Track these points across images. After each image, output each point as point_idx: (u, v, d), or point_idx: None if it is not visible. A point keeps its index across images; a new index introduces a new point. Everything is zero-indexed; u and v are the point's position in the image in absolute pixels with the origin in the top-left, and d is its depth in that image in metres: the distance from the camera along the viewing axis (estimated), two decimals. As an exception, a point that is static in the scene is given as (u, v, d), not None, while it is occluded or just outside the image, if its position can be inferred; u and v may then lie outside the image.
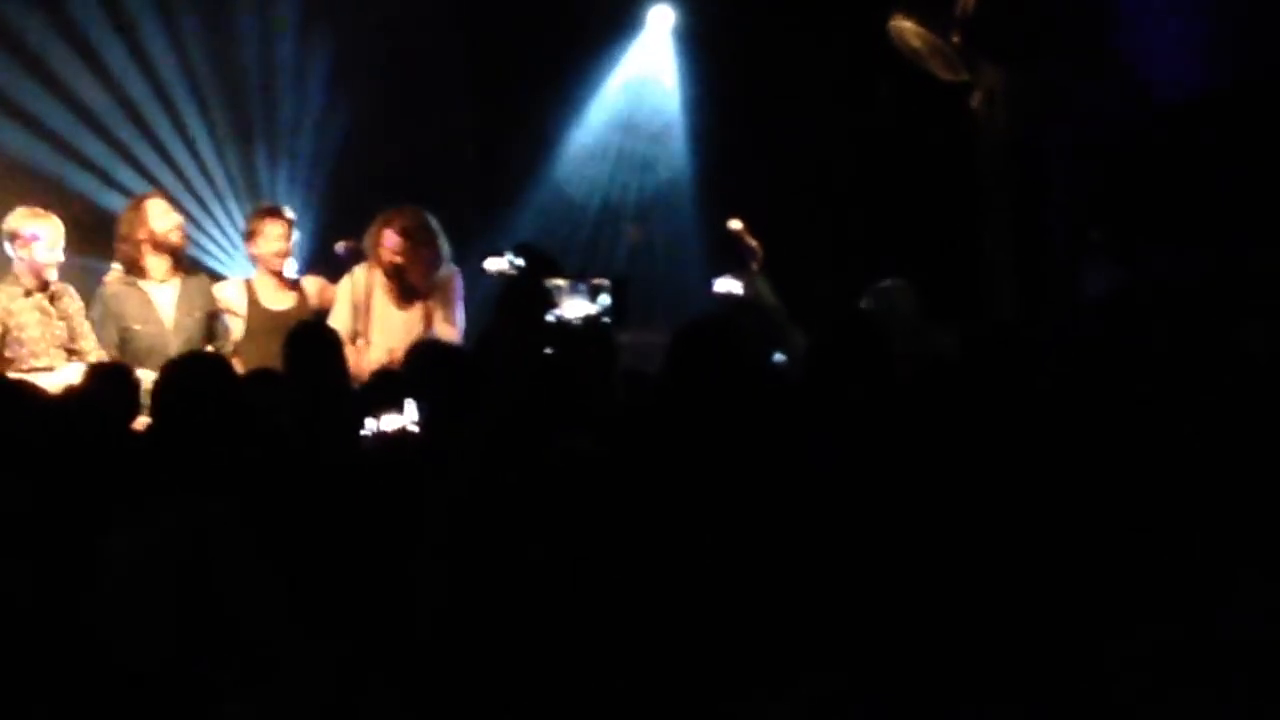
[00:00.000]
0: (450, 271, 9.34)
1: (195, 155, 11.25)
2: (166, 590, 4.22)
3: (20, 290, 8.70)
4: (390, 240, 9.22)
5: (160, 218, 9.07)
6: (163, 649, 4.15)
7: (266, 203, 9.90)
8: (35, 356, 8.63)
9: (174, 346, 8.77)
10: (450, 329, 9.24)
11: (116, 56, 11.01)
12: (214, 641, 4.13)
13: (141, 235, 9.02)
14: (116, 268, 9.10)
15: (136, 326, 8.93)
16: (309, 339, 7.07)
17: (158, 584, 4.24)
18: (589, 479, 4.61)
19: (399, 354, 8.96)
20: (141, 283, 9.03)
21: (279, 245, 9.31)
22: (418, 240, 9.24)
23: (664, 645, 4.15)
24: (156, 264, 9.06)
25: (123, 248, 9.07)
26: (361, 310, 9.16)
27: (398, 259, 9.20)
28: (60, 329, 8.75)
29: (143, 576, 4.26)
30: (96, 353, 8.75)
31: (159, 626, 4.16)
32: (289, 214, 9.46)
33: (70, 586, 4.21)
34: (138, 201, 9.26)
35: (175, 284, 9.08)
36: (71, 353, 8.73)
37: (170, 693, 4.07)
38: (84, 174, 10.88)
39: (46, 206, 9.05)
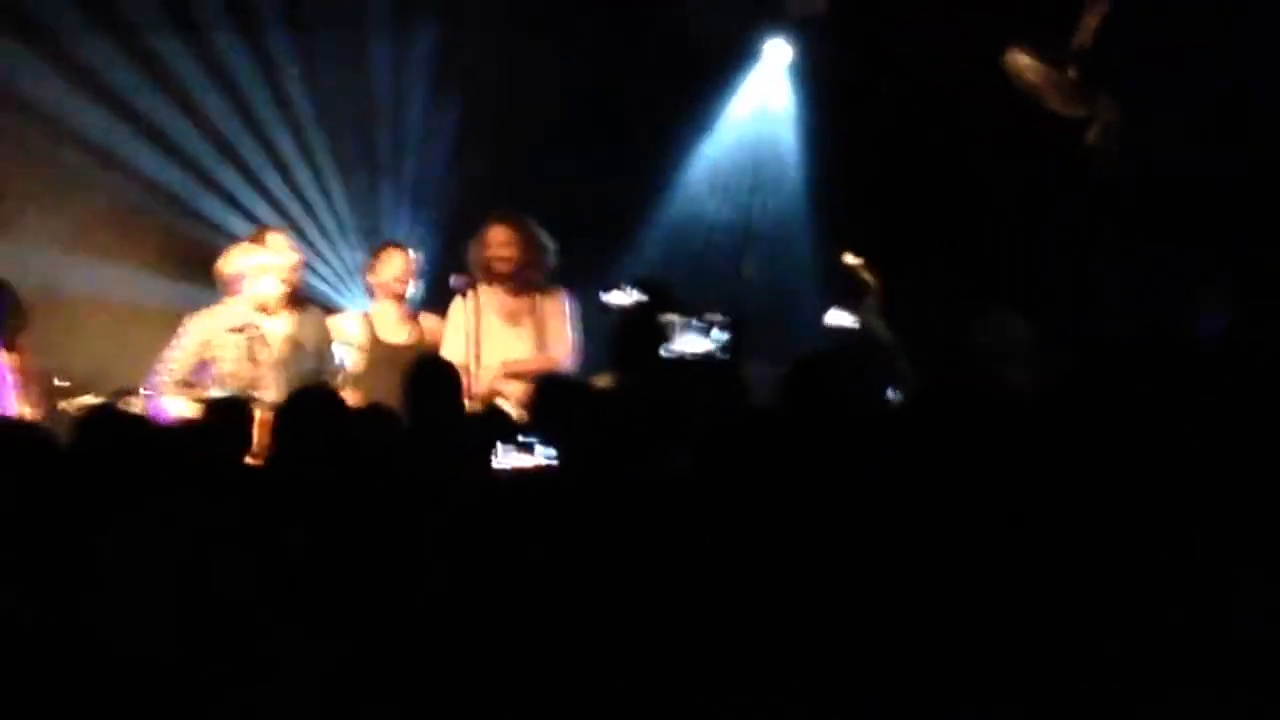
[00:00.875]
0: (559, 290, 9.39)
1: (323, 189, 11.39)
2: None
3: (227, 323, 8.84)
4: (497, 235, 9.29)
5: (277, 255, 9.19)
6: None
7: (389, 238, 10.06)
8: (223, 389, 8.73)
9: (284, 378, 8.89)
10: (563, 348, 9.28)
11: (257, 91, 11.19)
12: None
13: (254, 268, 9.13)
14: (228, 301, 9.18)
15: (247, 360, 9.04)
16: (428, 374, 7.13)
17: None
18: (685, 503, 4.64)
19: (513, 366, 9.08)
20: (252, 316, 9.13)
21: (399, 269, 9.41)
22: (523, 234, 9.31)
23: (757, 669, 4.17)
24: (270, 298, 9.18)
25: (239, 281, 9.19)
26: (472, 333, 9.20)
27: (505, 252, 9.25)
28: (251, 372, 8.86)
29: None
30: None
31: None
32: (409, 245, 9.59)
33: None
34: (259, 233, 9.40)
35: (288, 318, 9.19)
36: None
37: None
38: (216, 201, 11.06)
39: (177, 232, 9.25)
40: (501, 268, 9.28)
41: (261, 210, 11.07)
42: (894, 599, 4.33)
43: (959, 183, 11.06)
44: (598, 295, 9.21)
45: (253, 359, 8.86)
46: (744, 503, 4.59)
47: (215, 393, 8.60)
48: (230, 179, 11.14)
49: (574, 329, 9.35)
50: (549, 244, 9.39)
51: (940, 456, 5.15)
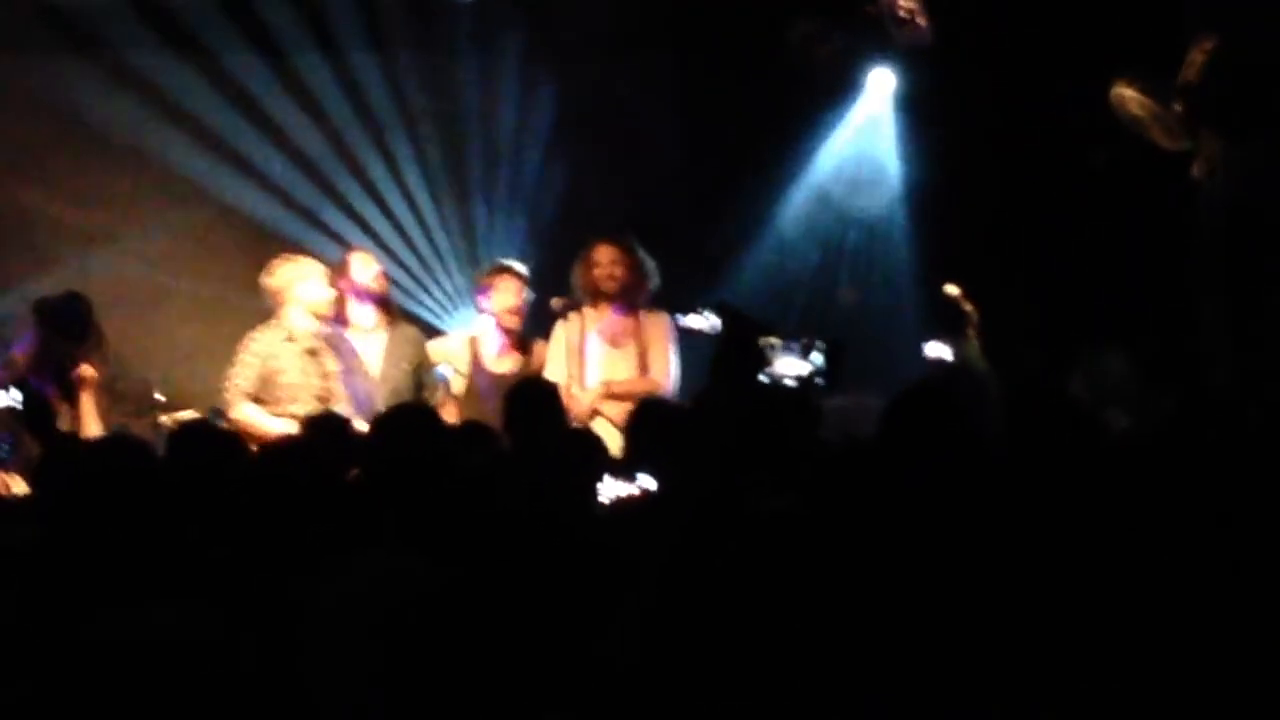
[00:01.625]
0: (662, 313, 9.40)
1: (414, 209, 11.45)
2: (367, 644, 4.28)
3: (283, 335, 8.90)
4: (605, 254, 9.30)
5: (361, 269, 9.26)
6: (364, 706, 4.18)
7: (501, 260, 10.01)
8: (294, 401, 8.79)
9: (381, 397, 8.93)
10: (665, 371, 9.28)
11: (339, 108, 11.25)
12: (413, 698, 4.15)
13: (344, 285, 9.19)
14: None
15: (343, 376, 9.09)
16: (529, 395, 7.14)
17: (359, 637, 4.30)
18: (792, 539, 4.63)
19: (615, 387, 9.09)
20: (349, 333, 9.19)
21: (513, 301, 9.42)
22: (629, 255, 9.33)
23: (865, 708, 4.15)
24: (362, 314, 9.23)
25: (324, 303, 9.22)
26: (575, 354, 9.23)
27: (616, 270, 9.27)
28: (318, 380, 8.91)
29: (344, 629, 4.32)
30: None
31: (360, 680, 4.19)
32: (522, 270, 9.59)
33: (271, 636, 4.24)
34: (344, 256, 9.47)
35: (382, 335, 9.23)
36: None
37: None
38: (301, 223, 11.13)
39: (260, 251, 9.33)
40: (609, 287, 9.30)
41: (351, 231, 11.15)
42: (989, 635, 4.32)
43: (1063, 216, 11.01)
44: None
45: (317, 367, 8.92)
46: (849, 539, 4.57)
47: (292, 408, 8.68)
48: (319, 202, 11.22)
49: (676, 352, 9.35)
50: (652, 266, 9.41)
51: (1038, 497, 5.14)
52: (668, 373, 9.29)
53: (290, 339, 8.90)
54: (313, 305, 8.95)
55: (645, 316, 9.38)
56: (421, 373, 9.31)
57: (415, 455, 5.54)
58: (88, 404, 8.74)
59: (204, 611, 3.89)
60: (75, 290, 9.06)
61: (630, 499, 4.90)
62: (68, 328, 8.80)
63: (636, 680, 4.08)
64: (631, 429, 6.55)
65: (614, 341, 9.33)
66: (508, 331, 9.46)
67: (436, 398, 9.19)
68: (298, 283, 8.96)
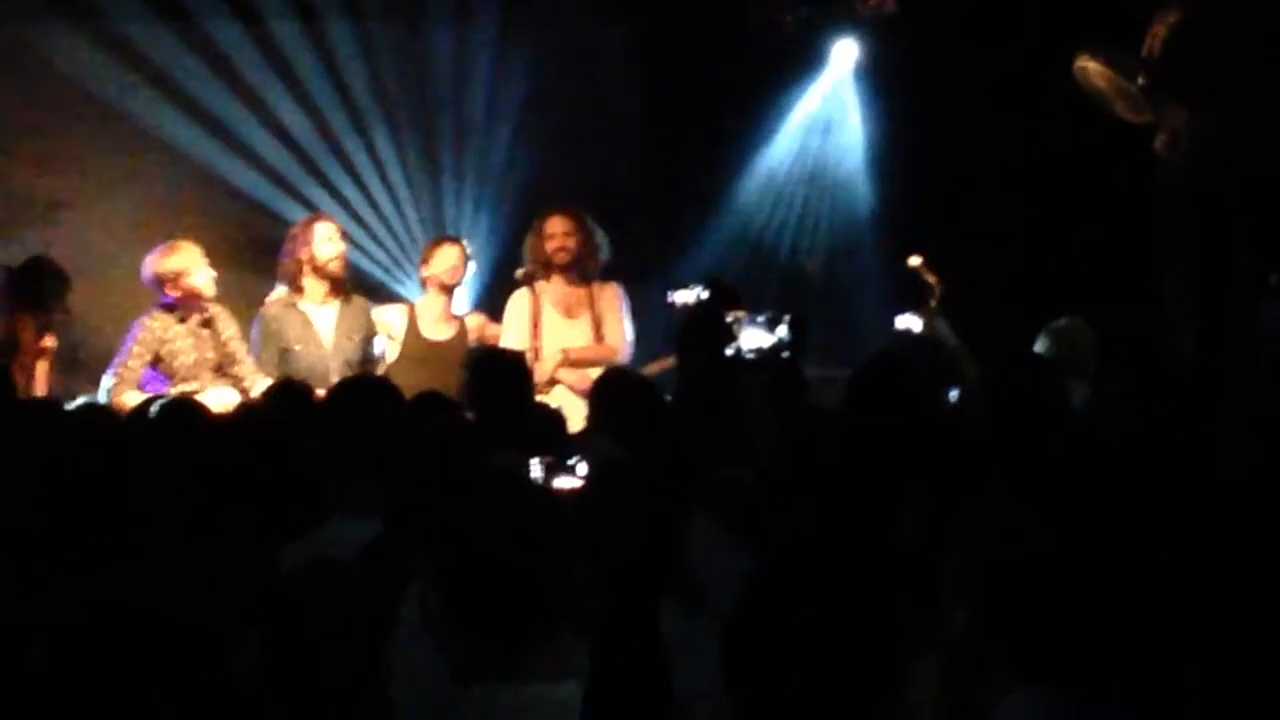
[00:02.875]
0: (613, 283, 9.48)
1: (385, 179, 11.44)
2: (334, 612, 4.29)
3: (175, 317, 8.90)
4: (557, 225, 9.35)
5: (324, 244, 9.20)
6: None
7: (439, 235, 10.19)
8: (185, 381, 8.81)
9: (333, 368, 8.96)
10: (619, 338, 9.36)
11: (312, 76, 11.23)
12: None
13: (303, 256, 9.18)
14: (280, 289, 9.27)
15: (296, 348, 9.09)
16: (495, 365, 7.14)
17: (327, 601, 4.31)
18: (755, 507, 4.64)
19: (573, 355, 9.15)
20: (301, 304, 9.18)
21: (451, 264, 9.44)
22: (581, 226, 9.39)
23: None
24: (315, 286, 9.22)
25: (285, 264, 9.25)
26: (531, 325, 9.29)
27: (569, 241, 9.32)
28: (212, 352, 8.93)
29: (310, 595, 4.33)
30: (253, 376, 8.92)
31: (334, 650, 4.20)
32: (465, 245, 9.64)
33: (236, 604, 4.25)
34: (307, 222, 9.42)
35: (335, 306, 9.23)
36: (224, 376, 8.92)
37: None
38: (269, 192, 11.11)
39: (226, 220, 9.34)
40: (561, 258, 9.36)
41: (322, 200, 11.13)
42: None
43: (1027, 187, 11.05)
44: (663, 293, 9.23)
45: (213, 338, 8.94)
46: (815, 508, 4.60)
47: (189, 386, 8.71)
48: (291, 170, 11.20)
49: (628, 321, 9.42)
50: (602, 237, 9.47)
51: (1004, 464, 5.17)
52: (623, 339, 9.41)
53: (182, 319, 8.90)
54: (198, 289, 8.95)
55: (598, 287, 9.45)
56: (366, 345, 9.32)
57: (372, 424, 5.52)
58: (42, 374, 8.76)
59: (167, 580, 3.91)
60: (40, 256, 9.04)
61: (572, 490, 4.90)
62: (30, 296, 8.79)
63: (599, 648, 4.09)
64: (595, 397, 6.58)
65: (568, 312, 9.40)
66: (448, 294, 9.47)
67: (377, 370, 9.19)
68: (183, 277, 8.93)
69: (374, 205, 11.43)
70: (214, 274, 9.00)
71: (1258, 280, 9.06)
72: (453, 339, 9.41)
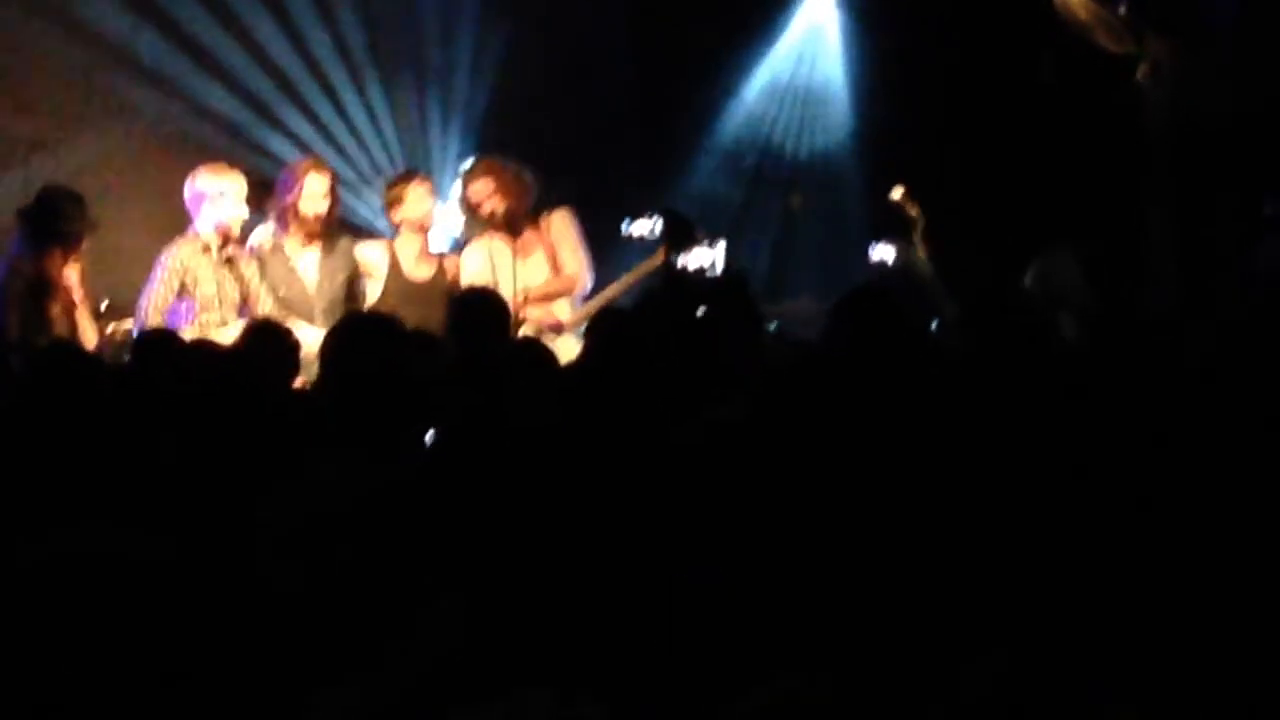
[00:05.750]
0: (558, 210, 9.47)
1: (374, 121, 11.41)
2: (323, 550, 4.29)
3: (199, 246, 8.90)
4: (477, 189, 9.34)
5: (311, 199, 9.19)
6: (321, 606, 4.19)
7: (405, 169, 10.13)
8: (207, 311, 8.83)
9: (317, 309, 8.98)
10: (577, 265, 9.38)
11: (300, 16, 11.18)
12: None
13: (289, 200, 9.18)
14: (266, 228, 9.27)
15: (280, 290, 9.11)
16: (477, 306, 7.15)
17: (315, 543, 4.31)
18: (736, 448, 4.64)
19: (532, 293, 9.16)
20: (287, 246, 9.20)
21: (425, 206, 9.42)
22: (501, 181, 9.36)
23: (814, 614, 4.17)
24: (297, 231, 9.23)
25: (274, 202, 9.28)
26: (490, 269, 9.29)
27: (490, 205, 9.31)
28: (234, 290, 8.94)
29: (300, 535, 4.33)
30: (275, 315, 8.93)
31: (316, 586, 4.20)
32: (427, 175, 9.64)
33: (228, 546, 4.25)
34: (304, 168, 9.38)
35: (317, 249, 9.25)
36: (247, 314, 8.95)
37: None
38: (268, 129, 11.09)
39: (227, 159, 9.31)
40: (494, 220, 9.34)
41: (311, 138, 11.11)
42: (931, 536, 4.36)
43: (1011, 120, 11.04)
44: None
45: (235, 275, 8.95)
46: (799, 444, 4.60)
47: (209, 317, 8.76)
48: (281, 106, 11.16)
49: (582, 244, 9.44)
50: (529, 180, 9.43)
51: (985, 398, 5.17)
52: (580, 266, 9.45)
53: (206, 249, 8.90)
54: (224, 225, 8.94)
55: (544, 219, 9.42)
56: (352, 284, 9.32)
57: (373, 363, 5.51)
58: (85, 320, 8.76)
59: (156, 525, 3.91)
60: (48, 186, 9.01)
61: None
62: (52, 227, 8.75)
63: (587, 592, 4.11)
64: (589, 338, 6.58)
65: (522, 251, 9.35)
66: (424, 233, 9.47)
67: (361, 310, 9.18)
68: (212, 199, 8.92)
69: (362, 144, 11.38)
70: (245, 215, 9.01)
71: (1253, 211, 9.06)
72: (434, 277, 9.40)
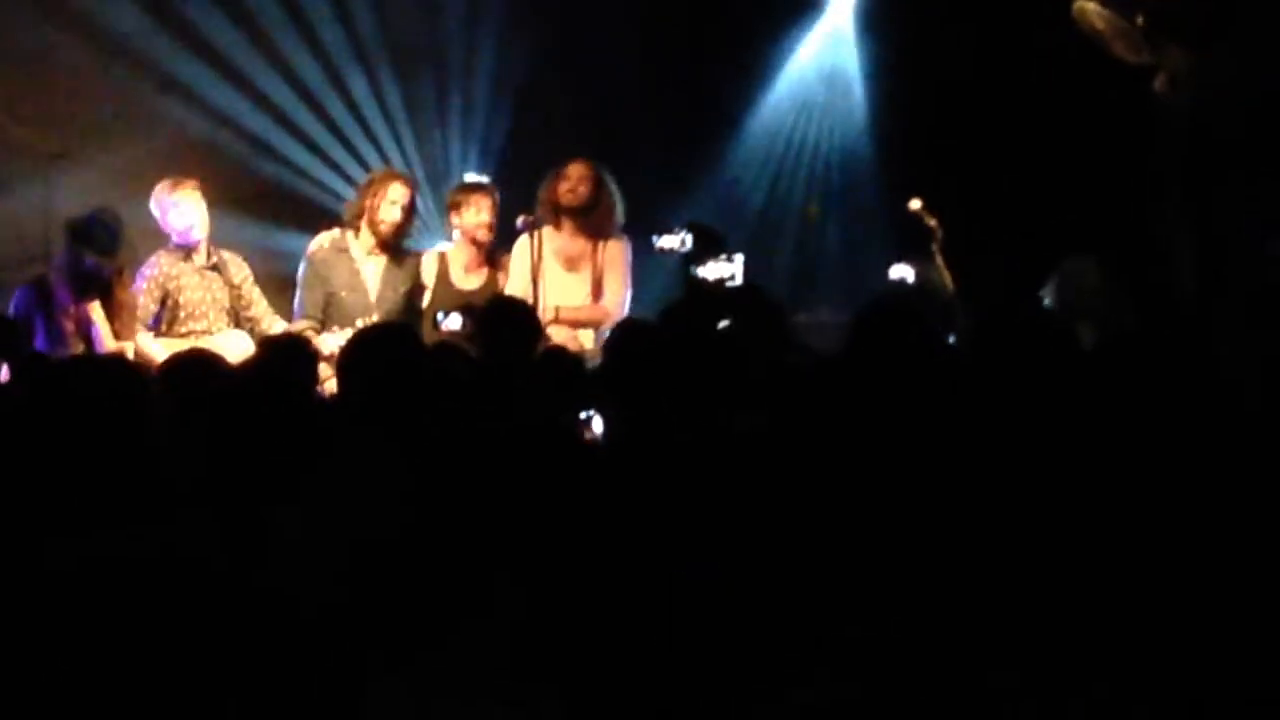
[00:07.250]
0: (621, 239, 9.45)
1: (393, 130, 11.43)
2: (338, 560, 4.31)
3: (181, 254, 9.01)
4: (575, 170, 9.34)
5: (388, 206, 9.29)
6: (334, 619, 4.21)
7: (472, 177, 10.13)
8: (195, 319, 8.93)
9: (376, 317, 9.03)
10: (617, 301, 9.36)
11: (322, 22, 11.22)
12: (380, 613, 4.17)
13: (367, 205, 9.27)
14: (330, 232, 9.32)
15: (342, 293, 9.21)
16: (504, 314, 7.17)
17: (329, 553, 4.33)
18: (760, 458, 4.65)
19: (565, 314, 9.16)
20: (352, 250, 9.28)
21: (485, 217, 9.45)
22: (598, 176, 9.37)
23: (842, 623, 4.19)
24: (367, 236, 9.32)
25: (351, 204, 9.47)
26: (531, 275, 9.23)
27: (582, 187, 9.31)
28: (223, 294, 9.02)
29: (315, 545, 4.36)
30: (270, 317, 9.05)
31: (331, 595, 4.22)
32: (490, 185, 9.65)
33: (245, 556, 4.26)
34: (386, 177, 9.52)
35: (383, 259, 9.33)
36: (241, 320, 9.04)
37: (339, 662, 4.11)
38: (290, 140, 11.12)
39: (225, 174, 9.39)
40: (570, 200, 9.34)
41: (335, 151, 11.15)
42: (952, 546, 4.37)
43: (1029, 130, 11.05)
44: (652, 238, 9.27)
45: (221, 281, 9.03)
46: (821, 455, 4.62)
47: (196, 325, 8.92)
48: (304, 118, 11.20)
49: (628, 280, 9.43)
50: (619, 198, 9.44)
51: (1002, 406, 5.18)
52: (620, 302, 9.42)
53: (188, 258, 8.99)
54: (187, 229, 9.03)
55: (603, 243, 9.41)
56: (414, 299, 9.40)
57: (393, 371, 5.54)
58: (130, 322, 8.83)
59: (184, 533, 3.93)
60: (103, 207, 9.08)
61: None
62: (99, 244, 8.82)
63: (613, 597, 4.12)
64: (608, 350, 6.59)
65: (570, 264, 9.39)
66: (478, 246, 9.50)
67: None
68: (172, 208, 9.03)
69: (382, 154, 11.41)
70: (204, 218, 9.08)
71: (1270, 221, 9.06)
72: (482, 288, 9.42)
